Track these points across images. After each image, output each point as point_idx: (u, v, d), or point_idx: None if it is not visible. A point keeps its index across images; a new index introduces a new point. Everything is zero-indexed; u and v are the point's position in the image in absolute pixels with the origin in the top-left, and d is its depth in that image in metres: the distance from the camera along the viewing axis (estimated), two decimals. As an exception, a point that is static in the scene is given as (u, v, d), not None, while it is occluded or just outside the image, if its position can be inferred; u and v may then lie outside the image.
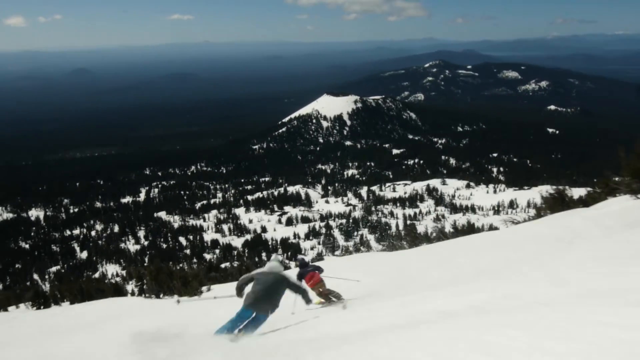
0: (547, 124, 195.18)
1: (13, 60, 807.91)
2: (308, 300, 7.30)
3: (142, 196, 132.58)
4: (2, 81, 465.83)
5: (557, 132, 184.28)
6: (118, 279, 52.47)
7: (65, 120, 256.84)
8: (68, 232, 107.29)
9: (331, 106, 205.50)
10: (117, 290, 23.74)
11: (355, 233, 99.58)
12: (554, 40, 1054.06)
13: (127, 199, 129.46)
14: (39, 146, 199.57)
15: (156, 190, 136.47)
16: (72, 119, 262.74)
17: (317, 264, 11.06)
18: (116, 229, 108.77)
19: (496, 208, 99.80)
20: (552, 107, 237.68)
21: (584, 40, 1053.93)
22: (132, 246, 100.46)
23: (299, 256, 10.85)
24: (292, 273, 9.00)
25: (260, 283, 6.76)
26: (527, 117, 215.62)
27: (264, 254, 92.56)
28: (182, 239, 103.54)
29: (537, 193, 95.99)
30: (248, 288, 6.92)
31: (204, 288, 20.63)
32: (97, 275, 78.23)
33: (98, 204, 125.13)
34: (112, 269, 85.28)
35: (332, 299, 9.37)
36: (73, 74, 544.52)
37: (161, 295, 20.19)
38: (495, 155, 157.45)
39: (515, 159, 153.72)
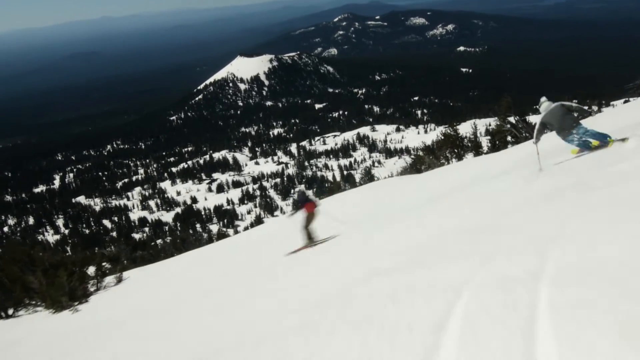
0: (460, 65, 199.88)
1: None
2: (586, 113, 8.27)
3: (57, 183, 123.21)
4: None
5: (470, 70, 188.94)
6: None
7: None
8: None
9: (247, 68, 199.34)
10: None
11: (292, 191, 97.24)
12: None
13: (41, 188, 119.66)
14: None
15: (71, 175, 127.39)
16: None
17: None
18: (31, 221, 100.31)
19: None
20: (462, 48, 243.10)
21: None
22: (51, 237, 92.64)
23: (299, 188, 12.96)
24: None
25: (557, 121, 7.12)
26: (440, 60, 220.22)
27: (198, 225, 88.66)
28: (106, 222, 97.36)
29: (468, 127, 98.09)
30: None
31: (112, 279, 13.11)
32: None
33: (8, 197, 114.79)
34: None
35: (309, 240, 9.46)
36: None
37: (10, 312, 11.76)
38: (416, 98, 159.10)
39: (436, 100, 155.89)
